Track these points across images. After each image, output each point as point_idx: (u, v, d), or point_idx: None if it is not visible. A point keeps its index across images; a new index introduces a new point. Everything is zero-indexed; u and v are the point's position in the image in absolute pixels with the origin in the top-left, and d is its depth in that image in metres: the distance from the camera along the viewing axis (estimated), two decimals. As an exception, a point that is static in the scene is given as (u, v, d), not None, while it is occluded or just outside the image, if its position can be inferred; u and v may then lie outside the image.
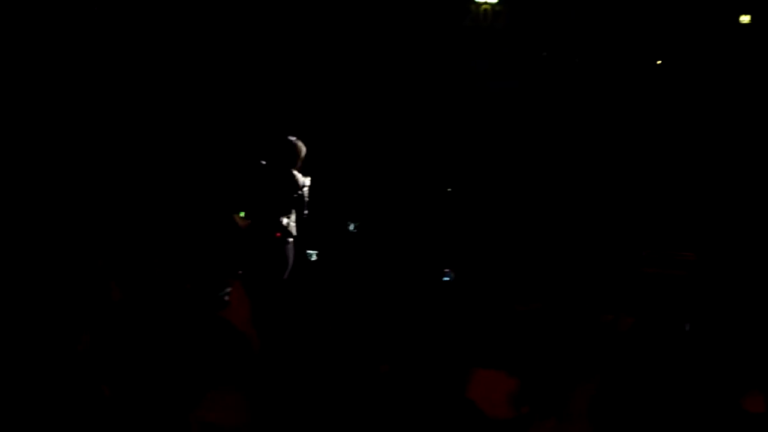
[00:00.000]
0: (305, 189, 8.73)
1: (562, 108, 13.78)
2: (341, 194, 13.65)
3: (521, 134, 13.79)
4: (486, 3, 13.69)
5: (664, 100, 13.63)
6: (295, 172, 8.72)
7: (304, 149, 8.76)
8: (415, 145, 13.88)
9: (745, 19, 13.48)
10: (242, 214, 8.76)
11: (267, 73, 13.31)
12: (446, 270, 10.78)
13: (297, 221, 8.78)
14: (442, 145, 13.95)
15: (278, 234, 8.54)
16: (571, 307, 7.63)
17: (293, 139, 8.77)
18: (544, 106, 13.78)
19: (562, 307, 7.49)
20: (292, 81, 13.50)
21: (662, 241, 12.02)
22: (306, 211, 8.78)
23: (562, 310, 7.36)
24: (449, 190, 14.10)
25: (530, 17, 13.75)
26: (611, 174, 13.46)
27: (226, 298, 5.25)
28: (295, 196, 8.64)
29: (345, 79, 13.70)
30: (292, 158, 8.73)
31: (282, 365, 4.15)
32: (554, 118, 13.72)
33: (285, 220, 8.64)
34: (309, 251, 11.63)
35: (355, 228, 13.43)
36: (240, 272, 8.00)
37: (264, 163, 8.80)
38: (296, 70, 13.54)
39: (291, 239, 8.71)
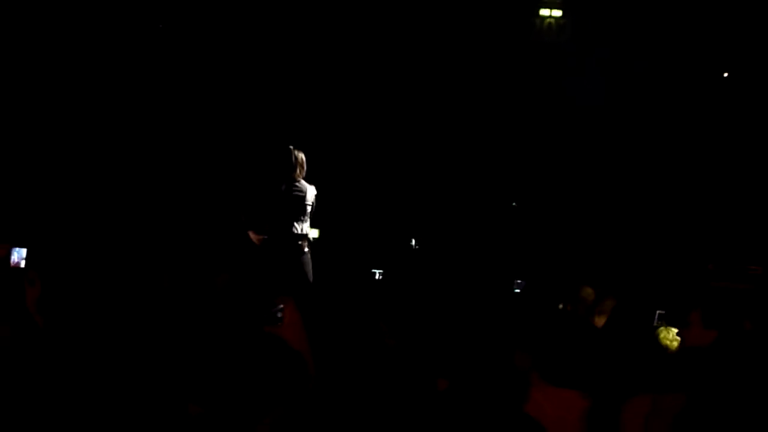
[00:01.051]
0: (311, 196, 9.03)
1: (642, 122, 13.50)
2: (406, 209, 13.52)
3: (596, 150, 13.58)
4: (550, 16, 13.44)
5: (737, 111, 13.28)
6: (300, 180, 9.03)
7: (301, 156, 9.08)
8: (482, 158, 13.76)
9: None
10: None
11: (319, 91, 13.32)
12: (517, 281, 10.63)
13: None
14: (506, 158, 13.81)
15: (300, 243, 8.89)
16: (639, 324, 7.38)
17: (291, 147, 9.07)
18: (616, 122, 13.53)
19: (630, 323, 7.25)
20: (357, 100, 13.47)
21: (729, 255, 11.73)
22: (307, 219, 9.03)
23: (630, 327, 7.12)
24: (514, 204, 13.92)
25: (595, 29, 13.49)
26: (680, 187, 13.18)
27: (279, 315, 5.15)
28: (305, 204, 8.98)
29: (419, 97, 13.66)
30: (291, 166, 8.99)
31: (335, 382, 4.00)
32: (631, 133, 13.45)
33: (298, 229, 8.98)
34: (373, 269, 11.55)
35: (416, 245, 13.27)
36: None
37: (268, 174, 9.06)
38: (358, 86, 13.51)
39: (307, 249, 9.02)
